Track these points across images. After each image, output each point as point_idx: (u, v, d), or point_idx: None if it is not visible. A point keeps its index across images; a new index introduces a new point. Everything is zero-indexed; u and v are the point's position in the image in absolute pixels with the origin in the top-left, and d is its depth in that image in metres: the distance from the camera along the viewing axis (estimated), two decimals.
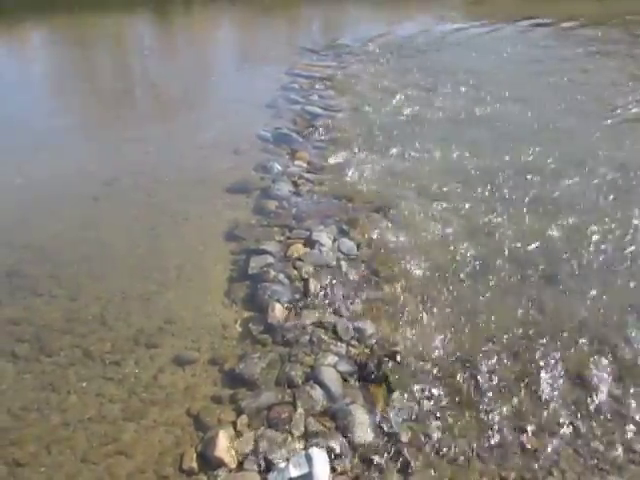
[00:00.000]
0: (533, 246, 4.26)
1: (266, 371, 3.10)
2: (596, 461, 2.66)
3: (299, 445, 2.67)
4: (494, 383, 3.06)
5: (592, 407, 2.94)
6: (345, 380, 3.08)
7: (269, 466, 2.56)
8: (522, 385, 3.06)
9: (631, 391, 3.02)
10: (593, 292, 3.79)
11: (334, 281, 3.87)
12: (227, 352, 3.29)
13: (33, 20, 14.40)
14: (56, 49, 12.13)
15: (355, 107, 7.63)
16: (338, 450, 2.64)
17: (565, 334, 3.42)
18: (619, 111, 7.21)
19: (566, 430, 2.81)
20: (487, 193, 5.08)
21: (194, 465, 2.60)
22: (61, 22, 13.98)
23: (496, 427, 2.81)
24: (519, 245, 4.27)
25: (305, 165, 5.80)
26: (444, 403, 2.94)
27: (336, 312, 3.58)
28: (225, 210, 4.91)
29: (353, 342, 3.35)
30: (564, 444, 2.74)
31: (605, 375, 3.12)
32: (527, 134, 6.48)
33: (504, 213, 4.72)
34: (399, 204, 4.89)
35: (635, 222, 4.54)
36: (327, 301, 3.68)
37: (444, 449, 2.69)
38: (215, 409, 2.90)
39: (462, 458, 2.66)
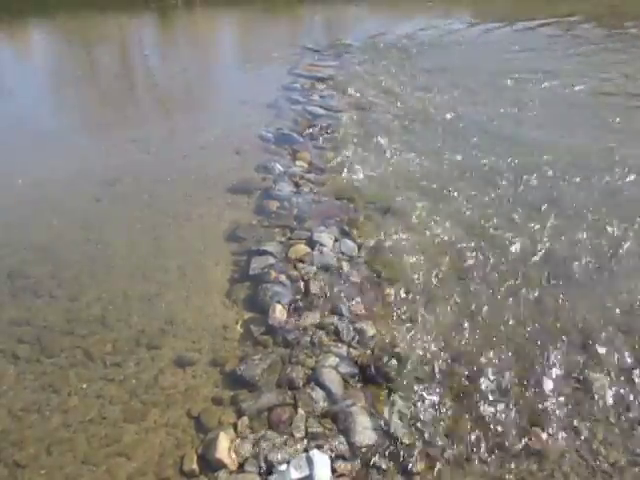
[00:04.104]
0: (535, 247, 4.24)
1: (267, 372, 3.09)
2: (598, 463, 2.65)
3: (300, 447, 2.66)
4: (495, 384, 3.05)
5: (595, 409, 2.93)
6: (346, 382, 3.07)
7: (270, 468, 2.55)
8: (524, 386, 3.05)
9: (634, 393, 3.01)
10: (595, 292, 3.78)
11: (335, 282, 3.86)
12: (228, 353, 3.28)
13: (35, 20, 14.42)
14: (57, 49, 12.15)
15: (356, 107, 7.63)
16: (339, 452, 2.64)
17: (567, 335, 3.41)
18: None
19: (568, 432, 2.80)
20: (489, 194, 5.06)
21: (195, 467, 2.59)
22: (63, 22, 14.00)
23: (498, 429, 2.80)
24: (521, 246, 4.25)
25: (306, 165, 5.80)
26: (445, 404, 2.93)
27: (337, 313, 3.57)
28: (226, 210, 4.91)
29: (354, 343, 3.34)
30: (566, 446, 2.73)
31: (608, 377, 3.11)
32: (530, 137, 6.47)
33: (506, 213, 4.71)
34: (400, 205, 4.88)
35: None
36: (328, 302, 3.67)
37: (445, 451, 2.69)
38: (216, 411, 2.90)
39: (464, 460, 2.65)
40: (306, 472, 2.47)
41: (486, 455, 2.68)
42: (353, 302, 3.69)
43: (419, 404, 2.92)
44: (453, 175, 5.44)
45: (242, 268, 4.08)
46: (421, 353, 3.26)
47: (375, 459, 2.63)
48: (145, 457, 2.66)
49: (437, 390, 3.01)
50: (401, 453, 2.66)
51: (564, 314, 3.58)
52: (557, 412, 2.90)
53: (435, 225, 4.55)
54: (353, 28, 14.20)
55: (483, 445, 2.72)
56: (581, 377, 3.11)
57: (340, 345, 3.32)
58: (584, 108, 7.35)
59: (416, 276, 3.94)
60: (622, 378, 3.11)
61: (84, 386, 3.05)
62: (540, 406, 2.93)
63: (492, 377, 3.09)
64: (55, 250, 4.30)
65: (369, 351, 3.29)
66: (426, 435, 2.76)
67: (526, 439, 2.76)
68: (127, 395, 3.00)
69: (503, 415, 2.88)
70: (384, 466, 2.60)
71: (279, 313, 3.53)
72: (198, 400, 2.97)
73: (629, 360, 3.22)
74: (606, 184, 5.22)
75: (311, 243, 4.28)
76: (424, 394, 2.98)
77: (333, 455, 2.62)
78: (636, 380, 3.09)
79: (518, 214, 4.69)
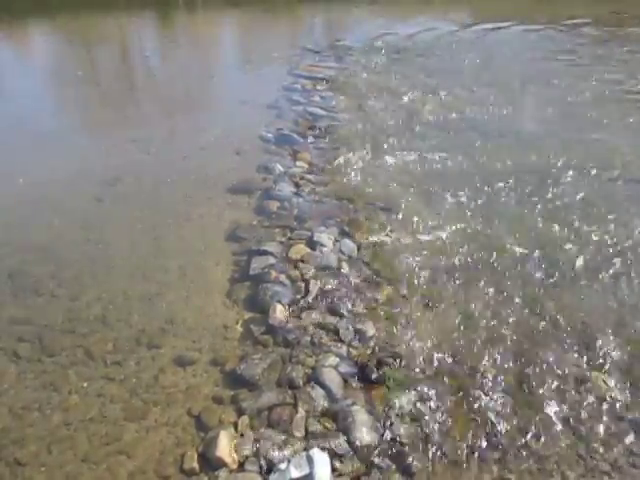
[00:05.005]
0: (534, 247, 4.25)
1: (267, 372, 3.10)
2: (596, 463, 2.66)
3: (300, 446, 2.67)
4: (494, 384, 3.06)
5: (593, 409, 2.94)
6: (346, 381, 3.08)
7: (270, 467, 2.56)
8: (522, 386, 3.06)
9: (632, 393, 3.02)
10: (594, 293, 3.79)
11: (335, 282, 3.87)
12: (228, 353, 3.29)
13: (35, 20, 14.43)
14: (58, 50, 12.15)
15: (357, 108, 7.65)
16: (339, 451, 2.65)
17: (566, 335, 3.42)
18: None
19: (567, 432, 2.81)
20: (488, 194, 5.08)
21: (195, 465, 2.60)
22: (63, 22, 14.00)
23: (497, 428, 2.81)
24: (520, 246, 4.27)
25: (307, 166, 5.81)
26: (444, 404, 2.94)
27: (337, 313, 3.58)
28: (227, 210, 4.92)
29: (354, 343, 3.35)
30: (565, 446, 2.74)
31: (606, 377, 3.12)
32: (532, 137, 6.49)
33: (505, 214, 4.72)
34: (400, 205, 4.89)
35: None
36: (328, 302, 3.68)
37: (445, 450, 2.69)
38: (216, 410, 2.90)
39: (463, 459, 2.66)
40: (306, 471, 2.48)
41: (486, 455, 2.69)
42: (353, 302, 3.69)
43: (418, 403, 2.93)
44: (454, 176, 5.45)
45: (242, 268, 4.09)
46: (421, 353, 3.27)
47: (375, 458, 2.64)
48: (145, 455, 2.67)
49: (437, 390, 3.02)
50: (400, 452, 2.67)
51: (564, 314, 3.59)
52: (556, 412, 2.91)
53: (435, 226, 4.56)
54: (353, 29, 14.22)
55: (483, 445, 2.73)
56: (580, 377, 3.12)
57: (340, 345, 3.33)
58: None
59: (415, 276, 3.95)
60: (621, 378, 3.12)
61: (85, 385, 3.06)
62: (539, 406, 2.94)
63: (491, 377, 3.10)
64: (55, 250, 4.31)
65: (369, 351, 3.30)
66: (426, 434, 2.77)
67: (526, 439, 2.77)
68: (128, 394, 3.00)
69: (502, 415, 2.88)
70: (384, 465, 2.61)
71: (279, 313, 3.54)
72: (198, 399, 2.98)
73: (629, 360, 3.23)
74: (609, 183, 5.25)
75: (311, 243, 4.29)
76: (424, 393, 2.99)
77: (333, 454, 2.62)
78: (635, 380, 3.10)
79: (519, 215, 4.71)
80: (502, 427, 2.82)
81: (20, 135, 6.66)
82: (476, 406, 2.93)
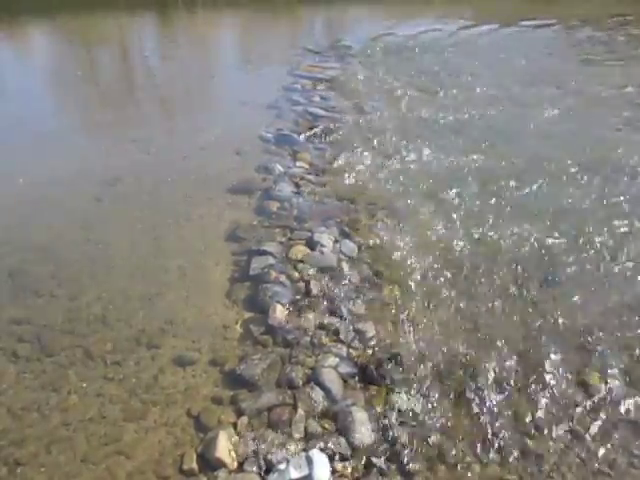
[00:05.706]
0: (534, 248, 4.25)
1: (267, 372, 3.10)
2: (597, 465, 2.65)
3: (299, 446, 2.66)
4: (494, 385, 3.06)
5: (593, 410, 2.93)
6: (346, 382, 3.08)
7: (269, 467, 2.56)
8: (522, 387, 3.06)
9: (633, 394, 3.02)
10: (594, 294, 3.78)
11: (335, 282, 3.87)
12: (228, 353, 3.29)
13: (35, 20, 14.43)
14: (58, 49, 12.15)
15: (357, 108, 7.64)
16: (338, 452, 2.64)
17: (566, 336, 3.41)
18: None
19: (567, 433, 2.80)
20: (489, 195, 5.07)
21: (194, 466, 2.59)
22: (63, 22, 14.00)
23: (496, 429, 2.81)
24: (520, 246, 4.26)
25: (307, 166, 5.80)
26: (444, 405, 2.94)
27: (337, 314, 3.57)
28: (227, 211, 4.91)
29: (354, 344, 3.34)
30: (565, 447, 2.73)
31: (607, 378, 3.12)
32: (529, 136, 6.49)
33: (506, 215, 4.72)
34: (401, 205, 4.89)
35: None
36: (328, 303, 3.68)
37: (444, 451, 2.69)
38: (215, 410, 2.90)
39: (462, 460, 2.65)
40: (305, 472, 2.47)
41: (485, 455, 2.68)
42: (353, 302, 3.69)
43: (418, 404, 2.93)
44: (455, 177, 5.45)
45: (242, 268, 4.08)
46: (420, 353, 3.26)
47: (374, 459, 2.63)
48: (145, 456, 2.66)
49: (436, 390, 3.01)
50: (400, 453, 2.66)
51: (563, 314, 3.58)
52: (555, 413, 2.91)
53: (435, 226, 4.56)
54: (354, 29, 14.22)
55: (482, 445, 2.73)
56: (580, 378, 3.12)
57: (340, 345, 3.32)
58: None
59: (416, 277, 3.95)
60: (621, 379, 3.11)
61: (84, 385, 3.05)
62: (539, 406, 2.94)
63: (491, 377, 3.10)
64: (55, 250, 4.30)
65: (369, 351, 3.29)
66: (425, 435, 2.76)
67: (525, 440, 2.76)
68: (127, 394, 3.00)
69: (502, 415, 2.88)
70: (383, 466, 2.60)
71: (279, 313, 3.54)
72: (198, 399, 2.97)
73: (628, 360, 3.23)
74: (609, 183, 5.24)
75: (311, 244, 4.29)
76: (423, 394, 2.98)
77: (332, 455, 2.62)
78: (635, 381, 3.10)
79: (521, 215, 4.70)
80: (502, 428, 2.82)
81: (20, 135, 6.65)
82: (476, 407, 2.93)
